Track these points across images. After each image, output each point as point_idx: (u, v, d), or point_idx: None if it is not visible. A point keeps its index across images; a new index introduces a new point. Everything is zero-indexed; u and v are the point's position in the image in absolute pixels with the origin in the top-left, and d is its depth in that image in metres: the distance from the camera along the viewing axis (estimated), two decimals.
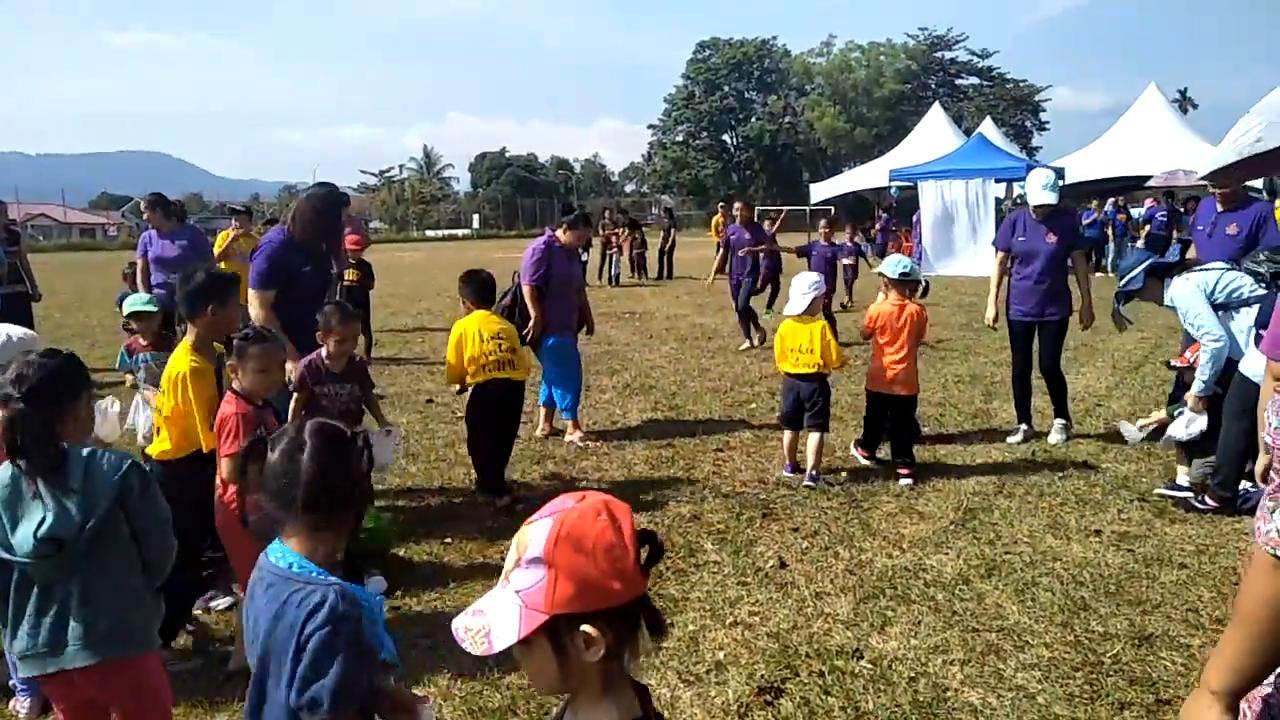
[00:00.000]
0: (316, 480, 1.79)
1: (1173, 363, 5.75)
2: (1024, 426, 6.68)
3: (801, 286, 5.83)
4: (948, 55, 76.38)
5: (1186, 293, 5.21)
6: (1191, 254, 5.99)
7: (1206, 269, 5.32)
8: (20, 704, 3.26)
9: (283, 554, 1.82)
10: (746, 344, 10.95)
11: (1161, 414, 5.70)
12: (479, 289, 5.66)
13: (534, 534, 1.32)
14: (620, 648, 1.31)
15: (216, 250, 9.34)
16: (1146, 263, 5.60)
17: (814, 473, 5.74)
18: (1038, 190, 6.39)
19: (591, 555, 1.27)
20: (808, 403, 5.75)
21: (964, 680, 3.43)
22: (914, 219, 24.87)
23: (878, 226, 26.38)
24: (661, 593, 4.14)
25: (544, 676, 1.33)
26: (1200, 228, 6.26)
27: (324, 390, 4.47)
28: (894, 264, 6.06)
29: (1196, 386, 5.15)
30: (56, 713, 2.55)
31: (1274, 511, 1.37)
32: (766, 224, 12.58)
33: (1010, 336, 6.70)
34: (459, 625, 1.34)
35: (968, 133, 29.03)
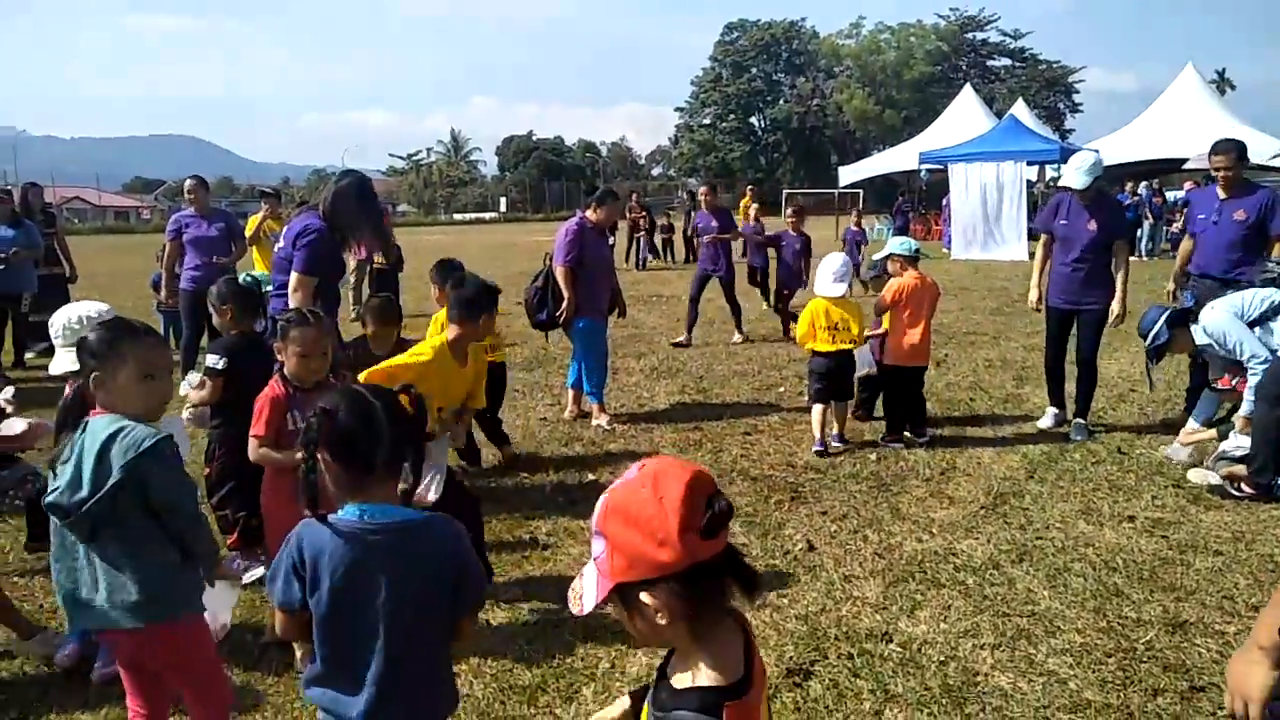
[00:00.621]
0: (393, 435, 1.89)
1: (1215, 384, 5.69)
2: (1054, 410, 6.55)
3: (833, 266, 5.94)
4: (979, 36, 75.33)
5: (1221, 320, 5.20)
6: (1184, 249, 6.28)
7: (1229, 297, 5.42)
8: (63, 651, 3.41)
9: (374, 511, 1.89)
10: (738, 337, 10.50)
11: (1209, 433, 5.63)
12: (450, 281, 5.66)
13: (597, 506, 1.40)
14: (698, 609, 1.34)
15: (248, 233, 9.43)
16: (1164, 315, 5.60)
17: (843, 434, 6.19)
18: (1070, 171, 6.17)
19: (634, 527, 1.32)
20: (840, 379, 6.00)
21: (994, 664, 3.42)
22: (944, 202, 24.62)
23: (895, 208, 26.22)
24: None
25: (636, 634, 1.41)
26: (1203, 216, 6.20)
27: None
28: (901, 244, 6.29)
29: (1245, 409, 5.14)
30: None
31: None
32: (788, 212, 11.76)
33: (1046, 323, 6.53)
34: (574, 586, 1.44)
35: (999, 115, 28.59)
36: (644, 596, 1.33)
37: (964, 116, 29.51)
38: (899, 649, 3.54)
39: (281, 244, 4.79)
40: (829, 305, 5.93)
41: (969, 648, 3.54)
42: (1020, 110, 28.02)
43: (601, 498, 1.39)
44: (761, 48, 78.36)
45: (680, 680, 1.39)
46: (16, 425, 3.82)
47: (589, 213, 6.74)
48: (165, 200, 66.55)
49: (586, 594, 1.39)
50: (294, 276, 4.56)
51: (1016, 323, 11.15)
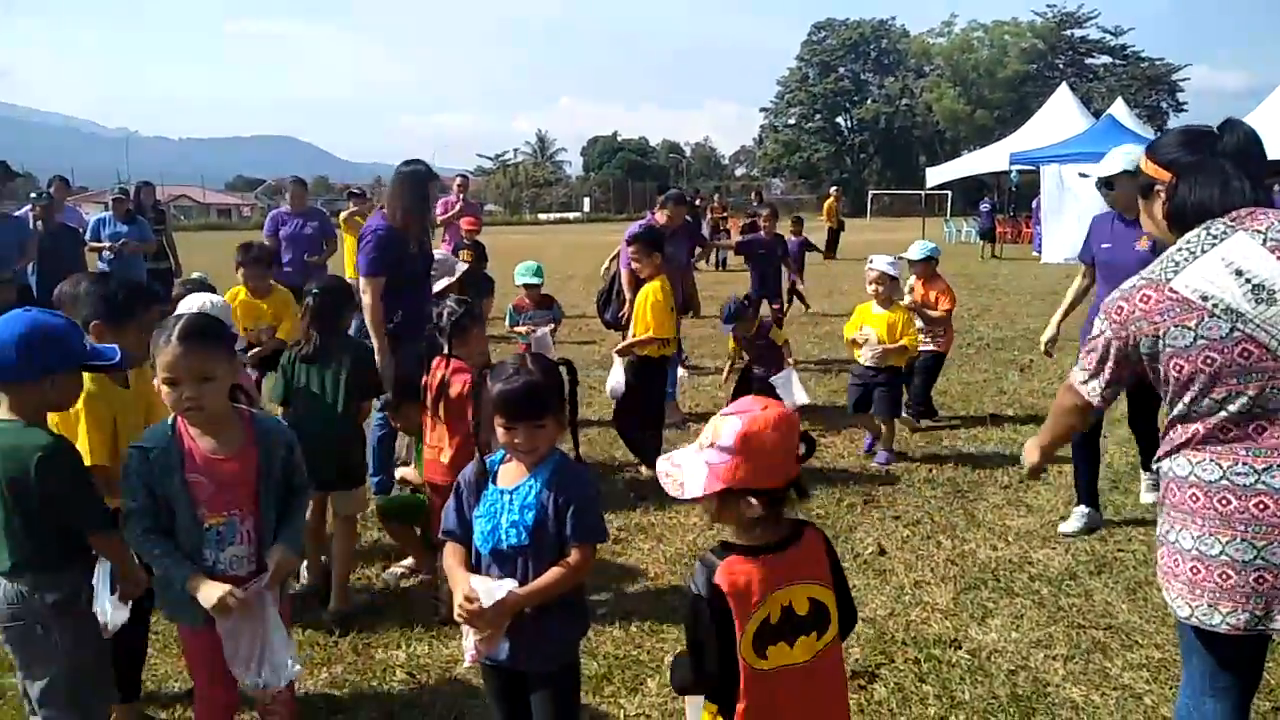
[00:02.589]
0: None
1: None
2: (1084, 510, 4.80)
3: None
4: (1078, 33, 72.71)
5: None
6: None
7: None
8: None
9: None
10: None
11: None
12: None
13: (726, 427, 1.83)
14: (772, 510, 1.87)
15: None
16: None
17: (890, 449, 5.96)
18: (1104, 163, 4.69)
19: (764, 452, 1.81)
20: (882, 389, 5.89)
21: (1066, 676, 3.36)
22: (1033, 204, 24.00)
23: (981, 210, 25.66)
24: None
25: (710, 515, 1.93)
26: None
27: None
28: (920, 247, 6.45)
29: None
30: None
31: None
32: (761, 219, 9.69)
33: None
34: (662, 469, 1.96)
35: (1097, 115, 27.62)
36: (751, 499, 1.82)
37: (1059, 116, 28.55)
38: (968, 656, 3.50)
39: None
40: (868, 312, 5.98)
41: (1040, 658, 3.49)
42: (1119, 110, 26.97)
43: (732, 423, 1.81)
44: (849, 47, 77.24)
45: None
46: None
47: (657, 214, 6.81)
48: (264, 198, 69.18)
49: (691, 484, 1.85)
50: (359, 281, 4.70)
51: None
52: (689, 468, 1.87)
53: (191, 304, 3.77)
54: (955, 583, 4.15)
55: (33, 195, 9.01)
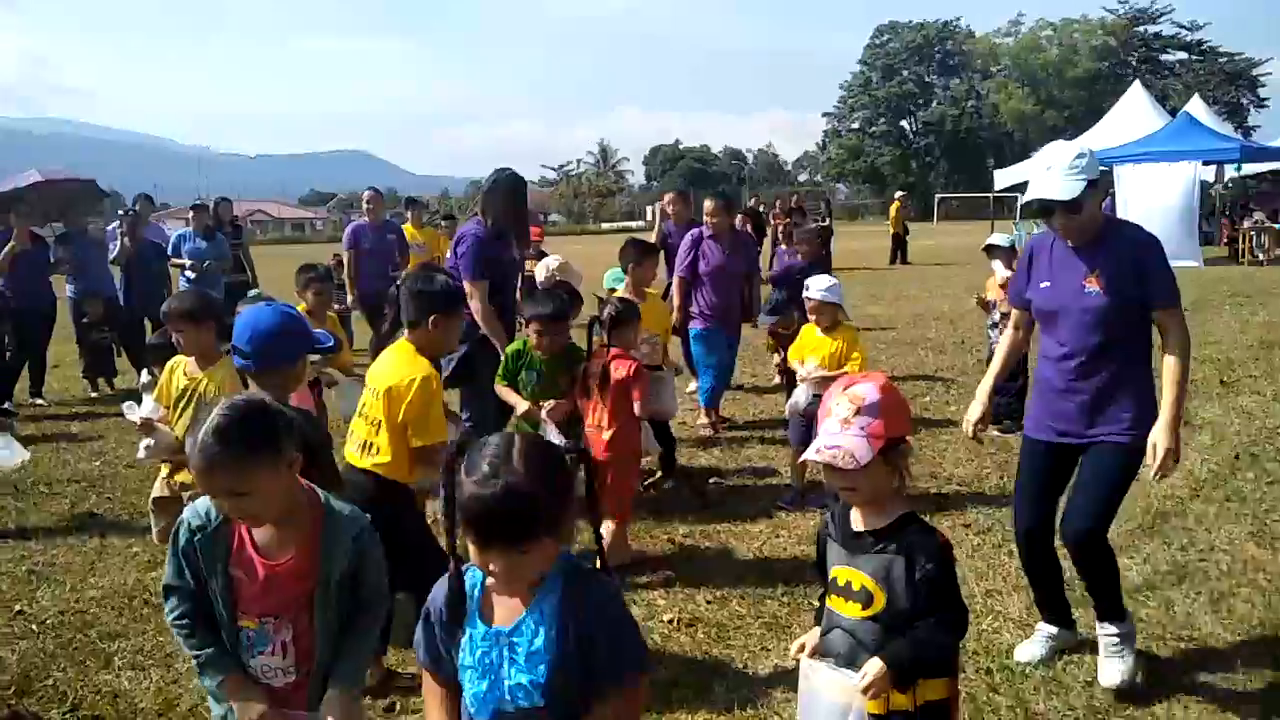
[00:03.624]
0: None
1: None
2: (1046, 629, 3.56)
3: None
4: (1151, 29, 70.59)
5: None
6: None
7: None
8: None
9: None
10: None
11: None
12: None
13: (864, 390, 2.09)
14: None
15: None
16: None
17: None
18: (1040, 177, 3.17)
19: (898, 401, 2.13)
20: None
21: (1146, 689, 3.27)
22: (1103, 206, 23.41)
23: None
24: None
25: (866, 488, 2.11)
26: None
27: None
28: (1004, 236, 6.43)
29: None
30: None
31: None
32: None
33: (1019, 469, 3.55)
34: (824, 455, 2.06)
35: (1173, 113, 26.79)
36: (908, 439, 2.14)
37: (1132, 115, 27.77)
38: (1042, 667, 3.43)
39: (449, 256, 5.14)
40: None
41: None
42: (1196, 107, 26.14)
43: (867, 387, 2.09)
44: (914, 49, 76.19)
45: (876, 520, 2.14)
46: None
47: (663, 205, 6.88)
48: (337, 212, 70.92)
49: (860, 452, 2.01)
50: (465, 285, 4.76)
51: None
52: (848, 443, 2.03)
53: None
54: (1028, 592, 4.04)
55: (120, 212, 9.42)
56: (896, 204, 24.03)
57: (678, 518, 5.10)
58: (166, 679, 3.51)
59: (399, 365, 3.24)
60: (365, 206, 9.14)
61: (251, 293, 5.65)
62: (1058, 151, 3.20)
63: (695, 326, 6.75)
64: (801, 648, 2.23)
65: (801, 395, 5.06)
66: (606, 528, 4.22)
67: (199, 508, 2.10)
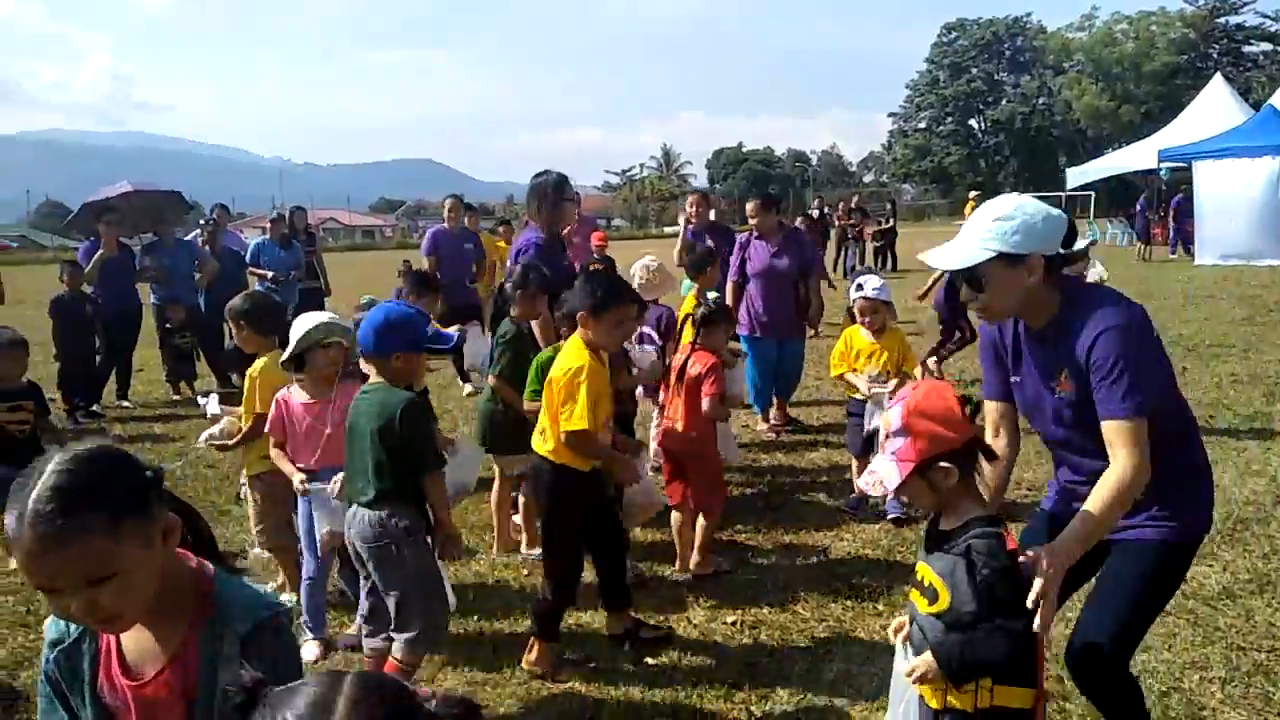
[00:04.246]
0: None
1: None
2: None
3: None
4: (1233, 21, 68.05)
5: None
6: None
7: None
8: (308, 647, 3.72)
9: None
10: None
11: None
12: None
13: (892, 415, 2.08)
14: (967, 470, 2.08)
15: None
16: None
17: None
18: (966, 237, 2.35)
19: (928, 418, 2.04)
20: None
21: (1224, 699, 3.19)
22: (1172, 202, 22.81)
23: (1136, 211, 24.42)
24: (892, 601, 4.13)
25: (923, 502, 2.14)
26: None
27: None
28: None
29: None
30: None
31: None
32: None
33: None
34: (865, 482, 2.13)
35: (1256, 106, 25.78)
36: (942, 464, 2.02)
37: (1213, 109, 26.83)
38: None
39: (509, 262, 5.22)
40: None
41: (1195, 680, 3.32)
42: None
43: (897, 410, 2.06)
44: (982, 47, 74.79)
45: (952, 522, 2.10)
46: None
47: (687, 208, 6.81)
48: (405, 219, 72.29)
49: (888, 478, 2.04)
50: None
51: (1271, 334, 10.10)
52: (881, 469, 2.08)
53: (304, 324, 3.66)
54: None
55: (201, 222, 9.76)
56: (971, 203, 23.55)
57: (739, 519, 5.11)
58: None
59: (563, 356, 3.53)
60: (446, 215, 9.24)
61: (364, 299, 5.80)
62: (987, 206, 2.38)
63: (740, 332, 6.57)
64: (899, 628, 2.29)
65: (873, 417, 4.77)
66: (699, 525, 4.36)
67: (57, 614, 1.44)
